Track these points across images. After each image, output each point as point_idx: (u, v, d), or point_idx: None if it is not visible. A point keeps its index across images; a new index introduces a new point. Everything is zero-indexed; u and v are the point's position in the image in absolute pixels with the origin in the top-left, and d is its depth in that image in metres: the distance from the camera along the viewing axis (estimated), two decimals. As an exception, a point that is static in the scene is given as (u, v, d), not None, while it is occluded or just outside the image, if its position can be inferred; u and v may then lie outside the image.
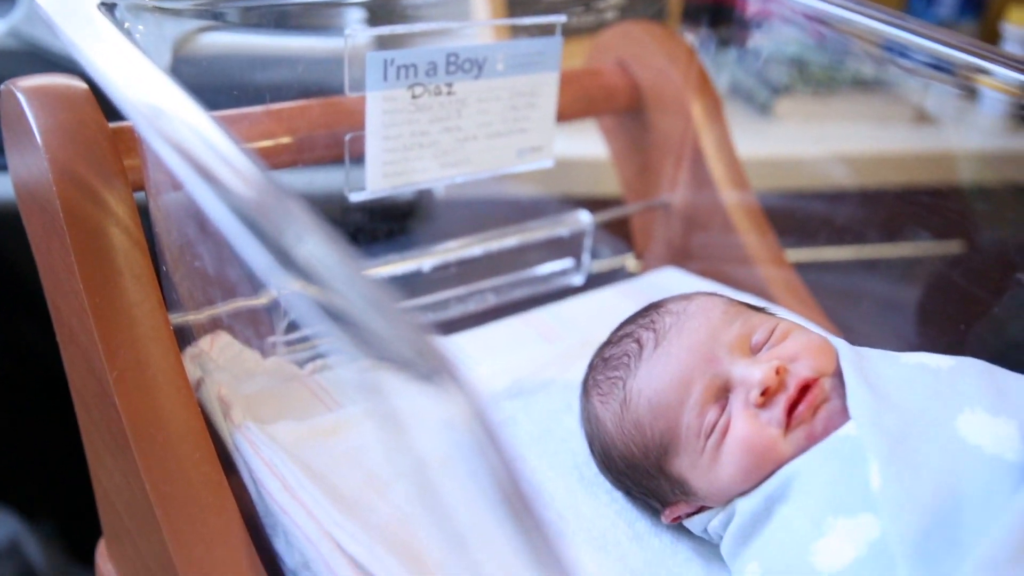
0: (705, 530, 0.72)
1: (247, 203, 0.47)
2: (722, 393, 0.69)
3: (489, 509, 0.45)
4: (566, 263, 1.06)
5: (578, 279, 1.07)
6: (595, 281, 1.09)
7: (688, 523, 0.74)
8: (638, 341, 0.74)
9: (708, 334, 0.71)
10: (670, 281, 1.08)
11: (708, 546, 0.75)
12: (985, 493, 0.57)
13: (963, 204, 1.10)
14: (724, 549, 0.70)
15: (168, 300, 0.75)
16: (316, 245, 0.50)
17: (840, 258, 1.17)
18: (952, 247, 1.08)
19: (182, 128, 0.53)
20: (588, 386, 0.78)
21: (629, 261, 1.16)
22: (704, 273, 1.10)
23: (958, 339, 0.95)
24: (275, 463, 0.72)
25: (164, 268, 0.75)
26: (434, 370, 0.40)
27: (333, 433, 0.78)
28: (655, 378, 0.71)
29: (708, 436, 0.68)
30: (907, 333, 1.04)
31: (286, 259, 0.52)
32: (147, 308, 0.73)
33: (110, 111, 0.67)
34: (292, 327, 0.88)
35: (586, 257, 1.06)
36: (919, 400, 0.64)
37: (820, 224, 1.15)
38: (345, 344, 0.52)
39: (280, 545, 0.70)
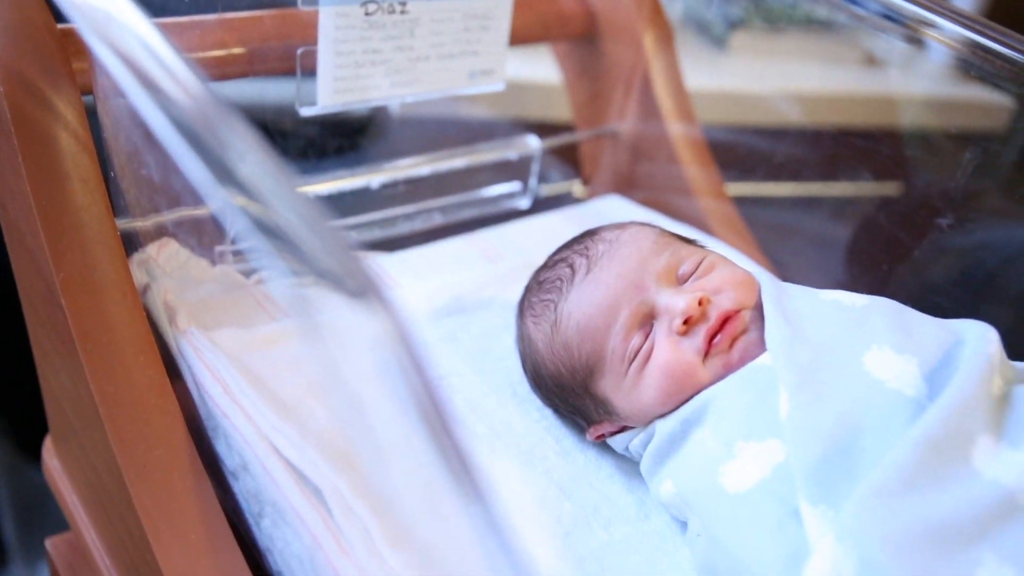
0: (627, 448, 0.77)
1: (187, 114, 0.49)
2: (647, 320, 0.73)
3: (410, 426, 0.48)
4: (513, 186, 1.08)
5: (524, 203, 1.09)
6: (541, 205, 1.12)
7: (611, 441, 0.78)
8: (571, 266, 0.77)
9: (637, 263, 0.74)
10: (613, 209, 1.11)
11: (629, 464, 0.79)
12: (883, 425, 0.61)
13: (903, 148, 1.13)
14: (643, 467, 0.74)
15: (116, 205, 0.76)
16: (253, 161, 0.51)
17: (780, 194, 1.21)
18: (889, 188, 1.12)
19: (125, 34, 0.53)
20: (523, 308, 0.81)
21: (576, 187, 1.18)
22: (647, 202, 1.13)
23: (881, 278, 1.00)
24: (217, 368, 0.74)
25: (112, 173, 0.76)
26: (361, 290, 0.43)
27: (275, 342, 0.80)
28: (584, 302, 0.74)
29: (632, 360, 0.72)
30: (835, 270, 1.09)
31: (224, 173, 0.54)
32: (94, 213, 0.74)
33: (60, 12, 0.67)
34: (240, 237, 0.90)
35: (533, 181, 1.08)
36: (831, 335, 0.68)
37: (762, 160, 1.18)
38: (278, 260, 0.55)
39: (221, 447, 0.73)
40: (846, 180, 1.17)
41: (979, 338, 0.65)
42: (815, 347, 0.67)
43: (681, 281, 0.74)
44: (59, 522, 0.91)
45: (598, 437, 0.78)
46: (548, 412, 0.83)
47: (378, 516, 0.65)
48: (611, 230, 0.79)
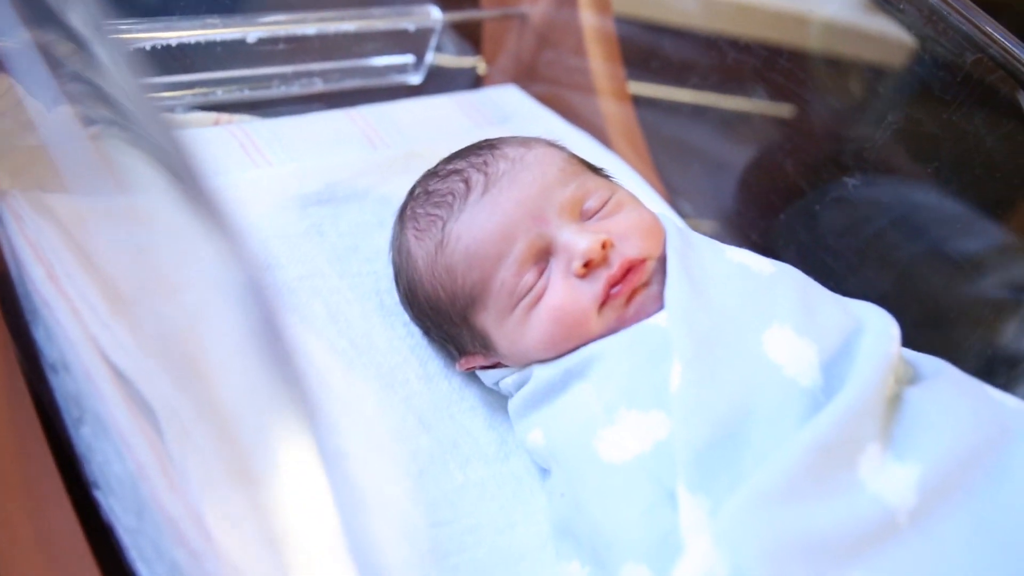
0: (496, 384, 0.71)
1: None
2: (543, 255, 0.67)
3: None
4: (406, 59, 0.97)
5: (416, 78, 0.99)
6: (433, 79, 1.02)
7: (481, 374, 0.73)
8: (466, 181, 0.69)
9: (540, 190, 0.67)
10: (509, 100, 1.02)
11: (494, 396, 0.74)
12: (775, 415, 0.58)
13: (805, 70, 1.08)
14: (512, 407, 0.70)
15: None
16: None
17: (671, 98, 1.14)
18: (782, 111, 1.07)
19: None
20: (405, 216, 0.73)
21: (480, 65, 1.08)
22: (545, 98, 1.04)
23: (773, 219, 0.96)
24: (42, 246, 0.63)
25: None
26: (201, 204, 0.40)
27: (117, 215, 0.69)
28: (477, 226, 0.67)
29: (522, 297, 0.66)
30: (725, 201, 1.04)
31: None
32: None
33: None
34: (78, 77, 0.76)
35: (429, 56, 0.98)
36: (734, 304, 0.63)
37: (662, 61, 1.11)
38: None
39: (39, 335, 0.63)
40: (741, 95, 1.11)
41: (880, 332, 0.62)
42: (715, 315, 0.63)
43: (585, 217, 0.68)
44: None
45: (468, 368, 0.72)
46: (415, 329, 0.76)
47: (220, 445, 0.57)
48: (515, 146, 0.71)
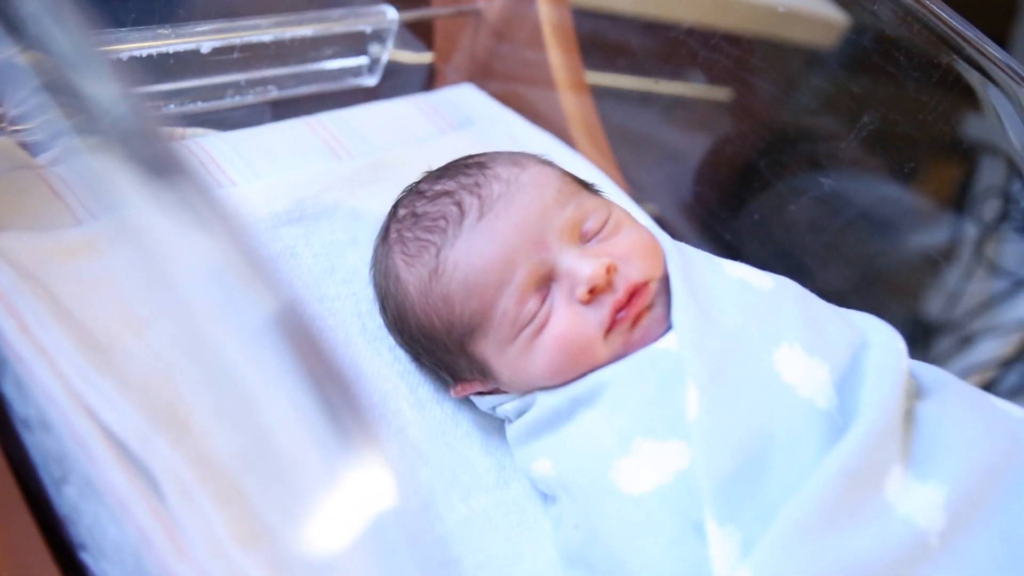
0: (493, 409, 0.69)
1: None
2: (545, 282, 0.64)
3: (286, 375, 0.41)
4: (360, 60, 0.93)
5: (371, 80, 0.95)
6: (386, 82, 0.97)
7: (476, 399, 0.70)
8: (459, 205, 0.66)
9: (539, 213, 0.65)
10: (467, 100, 0.99)
11: (486, 419, 0.72)
12: (794, 439, 0.57)
13: (735, 53, 1.07)
14: (512, 433, 0.68)
15: None
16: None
17: (624, 87, 1.12)
18: (720, 94, 1.07)
19: None
20: (390, 239, 0.70)
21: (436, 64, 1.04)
22: (502, 95, 1.01)
23: (738, 211, 0.96)
24: (11, 294, 0.58)
25: None
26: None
27: (82, 252, 0.64)
28: (475, 253, 0.64)
29: (524, 326, 0.64)
30: (684, 193, 1.03)
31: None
32: None
33: None
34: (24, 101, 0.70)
35: (385, 56, 0.94)
36: (741, 323, 0.63)
37: (624, 51, 1.09)
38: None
39: (8, 389, 0.58)
40: (679, 80, 1.10)
41: (887, 348, 0.61)
42: (724, 337, 0.62)
43: (585, 239, 0.66)
44: None
45: (464, 395, 0.70)
46: (400, 353, 0.73)
47: (224, 505, 0.54)
48: (507, 166, 0.68)
